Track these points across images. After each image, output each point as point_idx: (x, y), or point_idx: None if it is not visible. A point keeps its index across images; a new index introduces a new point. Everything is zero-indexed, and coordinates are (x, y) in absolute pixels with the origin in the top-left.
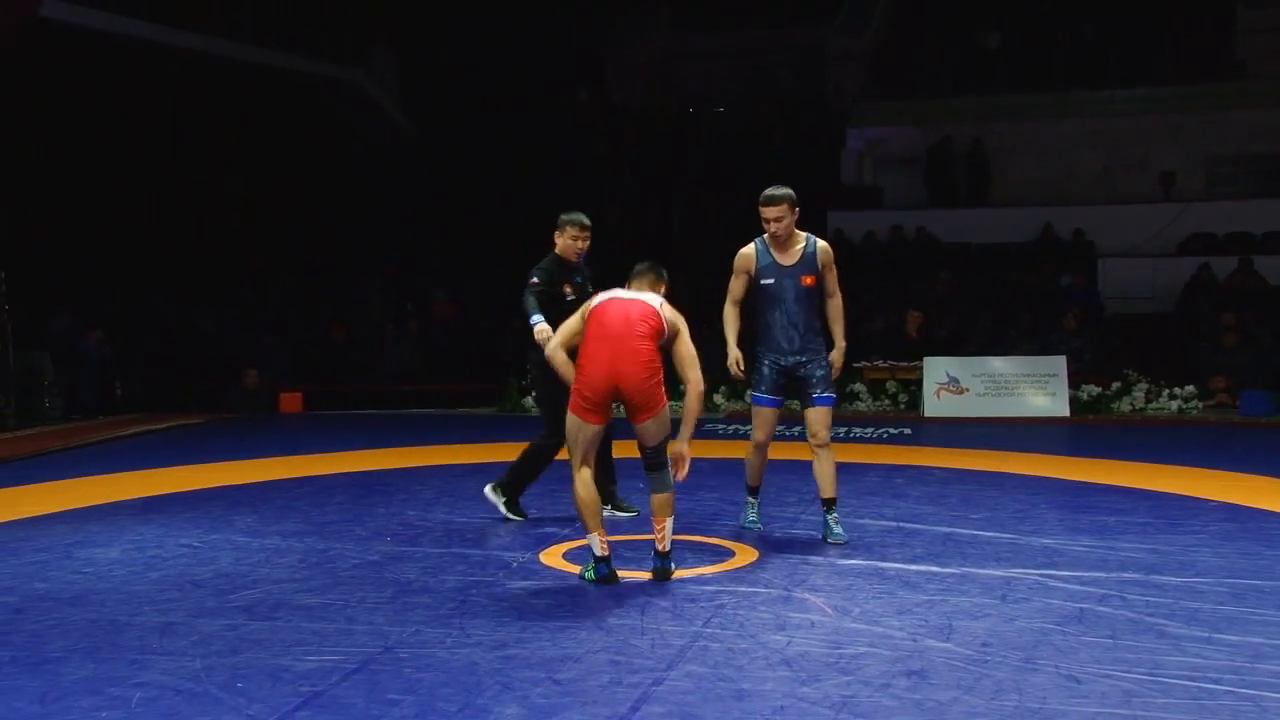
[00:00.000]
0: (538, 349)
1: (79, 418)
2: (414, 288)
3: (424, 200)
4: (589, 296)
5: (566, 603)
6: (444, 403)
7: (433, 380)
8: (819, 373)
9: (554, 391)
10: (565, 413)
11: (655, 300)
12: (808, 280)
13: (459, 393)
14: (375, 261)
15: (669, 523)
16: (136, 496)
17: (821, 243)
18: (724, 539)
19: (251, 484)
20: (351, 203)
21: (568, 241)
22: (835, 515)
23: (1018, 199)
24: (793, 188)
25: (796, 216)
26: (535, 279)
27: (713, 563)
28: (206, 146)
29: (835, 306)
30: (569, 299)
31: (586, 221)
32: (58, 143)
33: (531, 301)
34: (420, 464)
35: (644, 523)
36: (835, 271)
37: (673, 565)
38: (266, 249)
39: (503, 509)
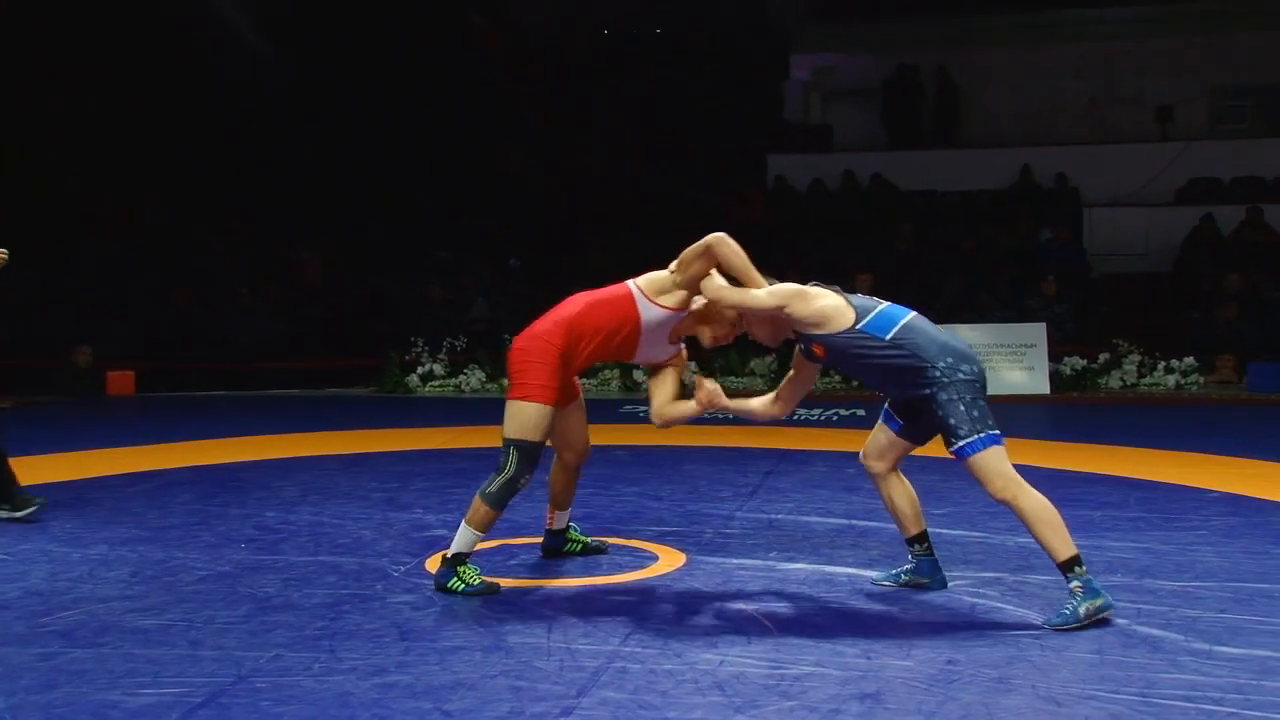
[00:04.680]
0: None
1: None
2: (276, 248)
3: (288, 143)
4: None
5: (458, 619)
6: (310, 382)
7: (296, 356)
8: None
9: None
10: None
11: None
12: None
13: (328, 370)
14: (228, 217)
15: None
16: None
17: None
18: (646, 541)
19: (71, 482)
20: (200, 145)
21: None
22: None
23: (990, 139)
24: (728, 125)
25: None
26: None
27: (633, 569)
28: (16, 70)
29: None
30: None
31: None
32: None
33: None
34: (282, 455)
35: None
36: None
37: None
38: (97, 200)
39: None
